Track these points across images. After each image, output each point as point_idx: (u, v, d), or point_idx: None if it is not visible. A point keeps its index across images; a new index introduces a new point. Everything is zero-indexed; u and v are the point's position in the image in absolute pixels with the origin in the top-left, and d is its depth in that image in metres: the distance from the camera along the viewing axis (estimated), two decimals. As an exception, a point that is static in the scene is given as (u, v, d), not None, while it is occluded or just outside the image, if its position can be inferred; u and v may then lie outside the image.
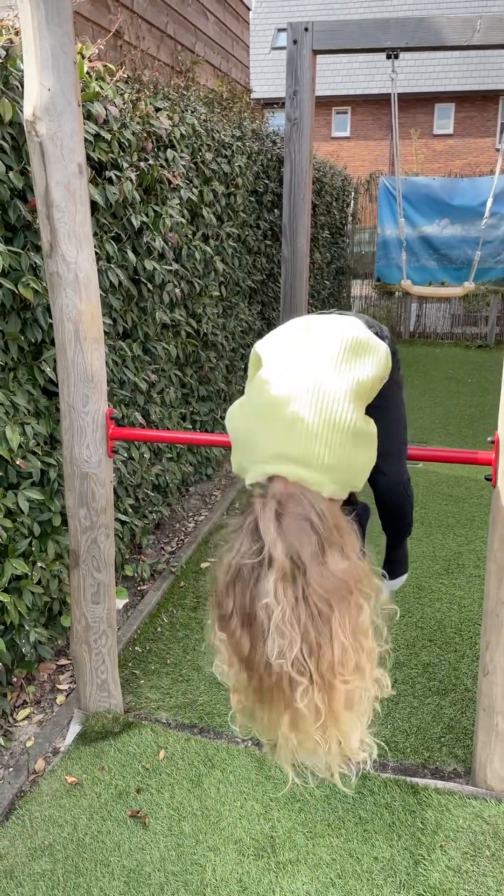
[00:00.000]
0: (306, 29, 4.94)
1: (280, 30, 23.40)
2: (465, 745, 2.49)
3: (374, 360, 1.60)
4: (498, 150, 21.41)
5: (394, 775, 2.35)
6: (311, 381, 1.47)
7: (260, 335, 5.69)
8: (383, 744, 2.49)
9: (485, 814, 2.18)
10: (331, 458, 1.41)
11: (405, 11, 22.47)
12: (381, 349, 1.64)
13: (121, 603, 3.31)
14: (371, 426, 1.52)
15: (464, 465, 4.93)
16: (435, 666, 2.91)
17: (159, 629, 3.19)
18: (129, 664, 2.94)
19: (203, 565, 3.74)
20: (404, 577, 2.43)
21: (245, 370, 5.35)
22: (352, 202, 10.24)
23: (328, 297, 8.73)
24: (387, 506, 2.14)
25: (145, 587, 3.51)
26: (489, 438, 2.08)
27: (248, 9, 6.90)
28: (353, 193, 10.28)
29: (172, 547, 3.92)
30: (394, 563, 2.37)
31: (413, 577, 3.58)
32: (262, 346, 1.66)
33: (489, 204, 6.24)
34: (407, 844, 2.08)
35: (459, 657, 2.96)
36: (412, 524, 2.30)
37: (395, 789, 2.27)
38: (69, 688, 2.79)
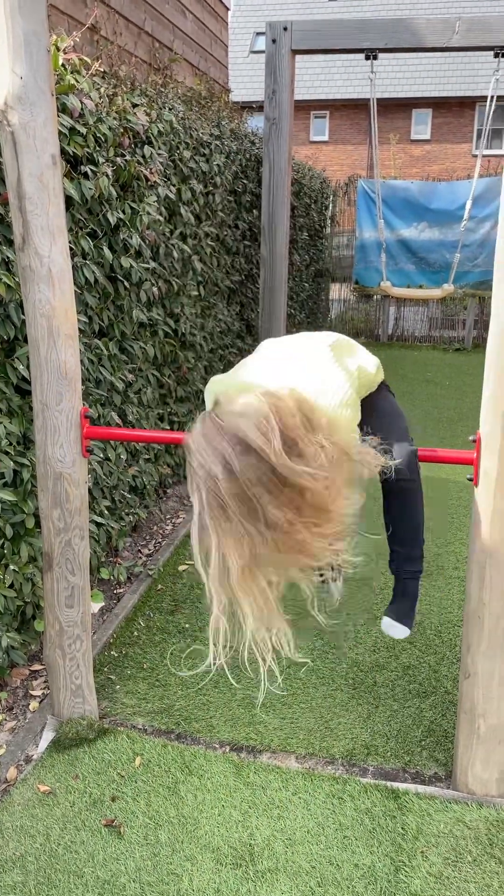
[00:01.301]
0: (285, 28, 4.92)
1: (258, 33, 23.43)
2: (446, 748, 2.46)
3: (365, 358, 1.78)
4: (475, 155, 21.62)
5: (374, 780, 2.31)
6: (306, 357, 1.56)
7: (239, 336, 5.65)
8: (363, 748, 2.46)
9: (466, 818, 2.15)
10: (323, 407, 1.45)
11: (384, 13, 22.63)
12: (373, 357, 1.85)
13: (96, 606, 3.25)
14: (356, 398, 1.59)
15: (443, 467, 4.91)
16: (415, 668, 2.88)
17: (136, 633, 3.13)
18: (105, 669, 2.88)
19: (181, 568, 3.69)
20: (408, 631, 2.23)
21: (224, 370, 5.30)
22: (330, 205, 10.25)
23: (307, 300, 8.72)
24: (399, 488, 1.97)
25: (121, 590, 3.45)
26: (470, 438, 2.06)
27: (227, 8, 6.88)
28: (331, 196, 10.29)
29: (149, 549, 3.86)
30: (401, 604, 2.21)
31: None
32: (248, 359, 1.83)
33: (468, 207, 6.27)
34: (388, 851, 2.05)
35: (440, 659, 2.94)
36: (423, 541, 2.14)
37: (376, 794, 2.23)
38: (42, 694, 2.72)
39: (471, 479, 2.07)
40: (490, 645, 2.11)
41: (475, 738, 2.19)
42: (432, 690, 2.75)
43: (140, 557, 3.75)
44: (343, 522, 1.32)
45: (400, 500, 2.05)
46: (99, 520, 3.29)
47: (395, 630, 2.24)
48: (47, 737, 2.48)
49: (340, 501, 1.30)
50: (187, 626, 3.18)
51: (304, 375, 1.58)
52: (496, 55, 4.77)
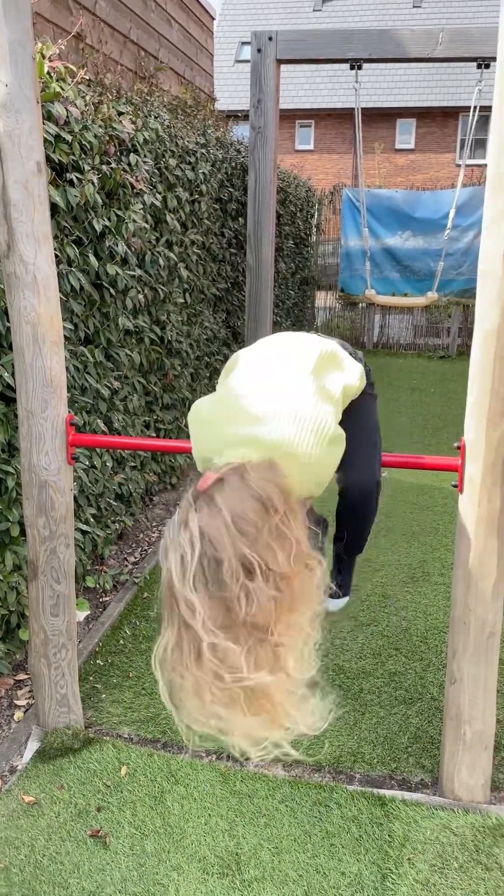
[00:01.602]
0: (270, 38, 4.95)
1: (244, 43, 23.57)
2: (432, 754, 2.47)
3: (350, 372, 1.73)
4: (458, 165, 21.82)
5: (360, 787, 2.31)
6: (288, 389, 1.50)
7: (225, 343, 5.65)
8: (350, 755, 2.46)
9: (452, 825, 2.15)
10: (304, 453, 1.39)
11: (369, 24, 22.84)
12: (358, 365, 1.81)
13: (82, 615, 3.23)
14: (341, 431, 1.52)
15: (428, 474, 4.95)
16: (401, 675, 2.89)
17: (122, 641, 3.12)
18: (91, 678, 2.86)
19: (167, 576, 3.67)
20: (347, 600, 2.30)
21: (210, 378, 5.30)
22: (315, 213, 10.30)
23: (293, 307, 8.75)
24: (351, 510, 2.01)
25: (107, 599, 3.43)
26: (455, 444, 2.07)
27: (213, 18, 6.91)
28: (316, 205, 10.34)
29: (136, 557, 3.85)
30: (341, 583, 2.25)
31: (379, 585, 3.56)
32: (242, 352, 1.75)
33: (451, 216, 6.32)
34: (374, 858, 2.04)
35: (426, 666, 2.94)
36: (367, 542, 2.16)
37: (363, 801, 2.23)
38: (27, 703, 2.70)
39: (456, 486, 2.08)
40: (476, 651, 2.12)
41: (461, 744, 2.20)
42: (418, 697, 2.75)
43: (126, 565, 3.74)
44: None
45: (354, 518, 2.01)
46: (84, 528, 3.28)
47: (337, 604, 2.24)
48: (32, 747, 2.46)
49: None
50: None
51: (283, 413, 1.45)
52: (479, 66, 4.82)
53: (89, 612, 3.29)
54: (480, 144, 21.04)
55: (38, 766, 2.38)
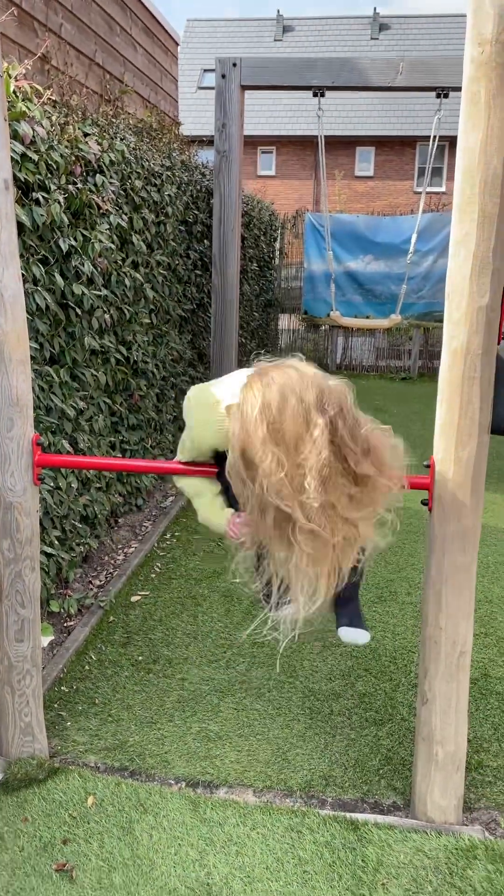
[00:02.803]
0: (235, 64, 5.02)
1: (206, 70, 23.89)
2: (404, 776, 2.45)
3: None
4: (417, 192, 22.33)
5: (333, 811, 2.28)
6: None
7: (191, 364, 5.65)
8: (321, 779, 2.43)
9: (426, 847, 2.13)
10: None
11: (328, 54, 23.33)
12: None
13: (46, 640, 3.15)
14: None
15: (393, 494, 4.97)
16: (371, 696, 2.87)
17: (87, 667, 3.05)
18: (55, 705, 2.78)
19: (133, 599, 3.61)
20: (368, 635, 2.25)
21: (176, 399, 5.28)
22: (279, 237, 10.42)
23: (257, 329, 8.79)
24: None
25: (72, 623, 3.36)
26: (425, 463, 2.08)
27: (177, 43, 6.98)
28: (279, 229, 10.46)
29: (101, 580, 3.78)
30: (353, 614, 2.23)
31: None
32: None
33: (413, 240, 6.44)
34: (348, 884, 2.01)
35: (395, 686, 2.93)
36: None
37: (335, 826, 2.20)
38: (-11, 733, 2.61)
39: (426, 504, 2.09)
40: (447, 670, 2.12)
41: (433, 765, 2.19)
42: (388, 718, 2.74)
43: (91, 589, 3.67)
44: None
45: None
46: (49, 550, 3.21)
47: (358, 634, 2.21)
48: (-6, 778, 2.37)
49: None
50: (140, 658, 3.11)
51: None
52: (438, 95, 4.95)
53: (53, 638, 3.21)
54: (437, 173, 21.58)
55: (1, 798, 2.30)
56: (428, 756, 2.19)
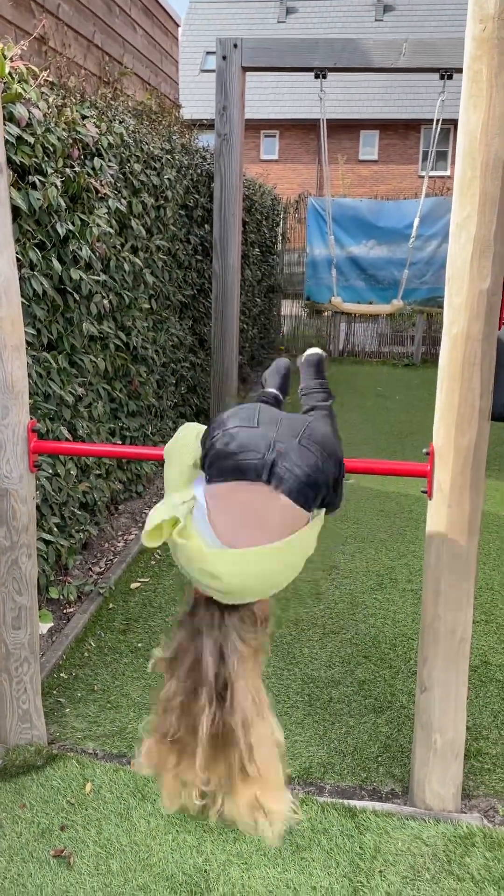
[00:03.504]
0: (235, 45, 4.95)
1: (209, 52, 23.63)
2: (403, 763, 2.44)
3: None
4: (421, 176, 22.14)
5: (331, 798, 2.28)
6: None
7: (191, 350, 5.61)
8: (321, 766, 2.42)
9: (423, 835, 2.13)
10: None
11: (332, 36, 23.05)
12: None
13: (45, 627, 3.15)
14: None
15: (395, 481, 4.96)
16: (370, 683, 2.86)
17: (86, 654, 3.04)
18: (54, 692, 2.78)
19: (133, 586, 3.61)
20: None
21: (176, 385, 5.25)
22: (281, 222, 10.33)
23: (259, 315, 8.74)
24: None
25: (71, 610, 3.35)
26: (424, 450, 2.06)
27: (177, 24, 6.90)
28: (282, 213, 10.37)
29: (101, 567, 3.78)
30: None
31: (347, 592, 3.54)
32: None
33: (415, 224, 6.38)
34: (345, 871, 2.01)
35: (394, 673, 2.93)
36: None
37: (333, 813, 2.20)
38: (-12, 720, 2.61)
39: (425, 492, 2.07)
40: (446, 658, 2.11)
41: (432, 752, 2.18)
42: (388, 705, 2.74)
43: (91, 576, 3.66)
44: None
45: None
46: (48, 537, 3.20)
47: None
48: (-7, 765, 2.38)
49: None
50: (140, 645, 3.10)
51: None
52: (442, 76, 4.88)
53: (52, 624, 3.21)
54: (441, 156, 21.38)
55: (0, 784, 2.30)
56: (426, 744, 2.18)
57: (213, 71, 5.39)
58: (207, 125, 5.94)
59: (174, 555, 1.37)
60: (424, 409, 7.13)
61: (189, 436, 1.56)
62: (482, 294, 1.87)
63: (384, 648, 3.10)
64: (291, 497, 1.37)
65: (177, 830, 2.14)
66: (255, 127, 22.39)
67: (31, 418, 2.24)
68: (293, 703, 2.74)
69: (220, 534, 1.33)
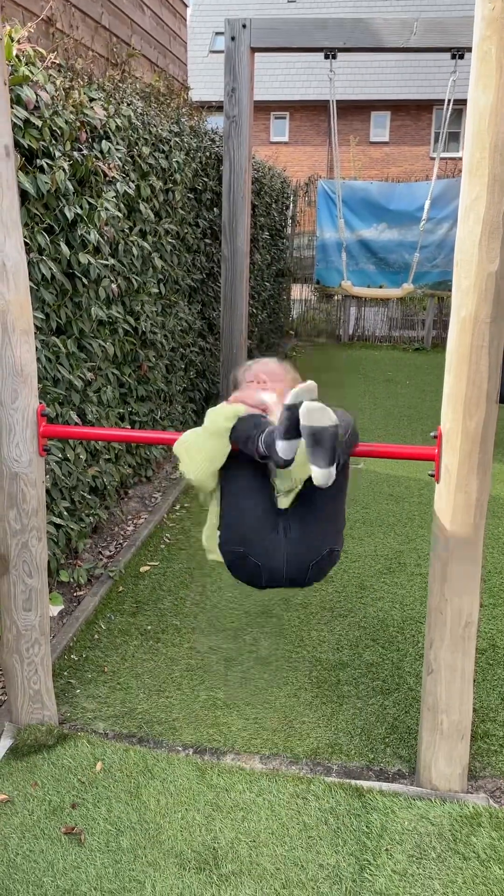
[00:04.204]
0: (244, 26, 4.90)
1: (218, 33, 23.38)
2: (410, 744, 2.46)
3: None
4: (432, 158, 21.88)
5: (338, 778, 2.30)
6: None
7: (200, 335, 5.60)
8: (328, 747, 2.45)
9: (430, 814, 2.15)
10: None
11: (343, 15, 22.74)
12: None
13: (55, 609, 3.18)
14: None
15: (403, 464, 4.96)
16: (378, 665, 2.88)
17: (96, 636, 3.08)
18: (65, 673, 2.82)
19: (143, 569, 3.64)
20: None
21: (185, 370, 5.25)
22: (291, 205, 10.26)
23: (268, 299, 8.71)
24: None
25: (82, 593, 3.38)
26: (432, 434, 2.06)
27: (186, 5, 6.83)
28: (292, 196, 10.29)
29: (110, 551, 3.80)
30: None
31: (355, 576, 3.56)
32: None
33: (426, 207, 6.32)
34: (352, 850, 2.03)
35: (402, 656, 2.94)
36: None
37: (340, 793, 2.22)
38: None
39: (432, 475, 2.07)
40: (452, 640, 2.12)
41: (438, 734, 2.20)
42: (395, 687, 2.75)
43: (101, 559, 3.69)
44: None
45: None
46: (58, 521, 3.23)
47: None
48: (5, 744, 2.41)
49: None
50: (149, 627, 3.13)
51: None
52: (453, 56, 4.81)
53: (63, 607, 3.24)
54: (454, 138, 21.12)
55: (11, 763, 2.34)
56: (433, 725, 2.20)
57: (221, 52, 5.33)
58: (216, 107, 5.90)
59: None
60: (435, 394, 7.11)
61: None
62: (491, 276, 1.86)
63: (392, 631, 3.11)
64: None
65: (185, 809, 2.17)
66: (264, 108, 22.18)
67: (41, 402, 2.26)
68: (301, 684, 2.76)
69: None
